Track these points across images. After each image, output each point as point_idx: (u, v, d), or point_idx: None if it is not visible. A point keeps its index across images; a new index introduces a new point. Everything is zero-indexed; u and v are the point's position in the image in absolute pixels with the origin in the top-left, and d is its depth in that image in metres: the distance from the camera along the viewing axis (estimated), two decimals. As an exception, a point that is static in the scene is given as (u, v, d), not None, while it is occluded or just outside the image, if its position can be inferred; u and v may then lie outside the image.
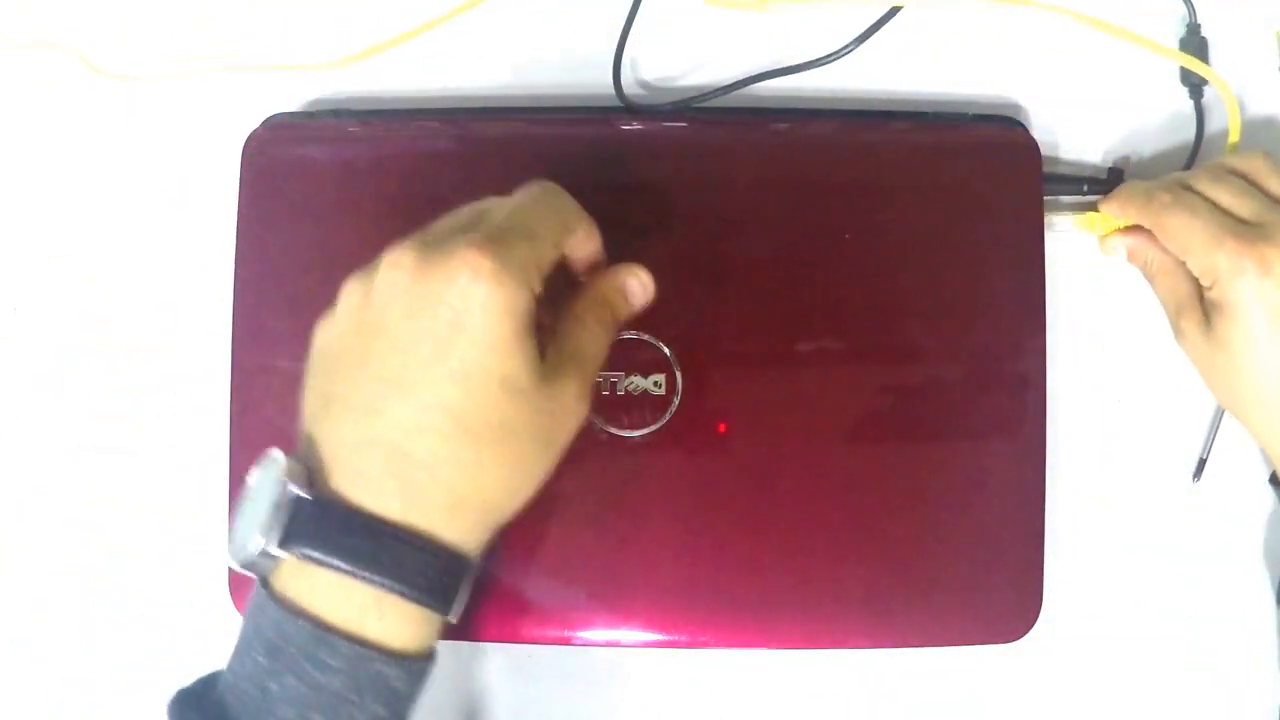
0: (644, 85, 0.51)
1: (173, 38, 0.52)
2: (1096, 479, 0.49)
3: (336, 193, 0.47)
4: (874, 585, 0.45)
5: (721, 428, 0.45)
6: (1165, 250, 0.45)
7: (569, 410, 0.37)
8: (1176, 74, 0.50)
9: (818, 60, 0.49)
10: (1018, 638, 0.45)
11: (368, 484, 0.35)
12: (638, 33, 0.50)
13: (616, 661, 0.49)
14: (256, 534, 0.34)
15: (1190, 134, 0.49)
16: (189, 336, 0.50)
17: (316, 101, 0.51)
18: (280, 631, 0.34)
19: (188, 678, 0.50)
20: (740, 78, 0.49)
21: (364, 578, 0.34)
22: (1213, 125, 0.49)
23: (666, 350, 0.45)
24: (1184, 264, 0.44)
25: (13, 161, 0.52)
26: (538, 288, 0.35)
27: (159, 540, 0.50)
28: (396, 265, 0.35)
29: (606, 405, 0.45)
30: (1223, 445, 0.49)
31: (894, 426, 0.46)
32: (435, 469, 0.35)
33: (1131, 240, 0.46)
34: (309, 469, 0.35)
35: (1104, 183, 0.49)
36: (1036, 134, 0.48)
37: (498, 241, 0.35)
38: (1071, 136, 0.50)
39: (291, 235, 0.47)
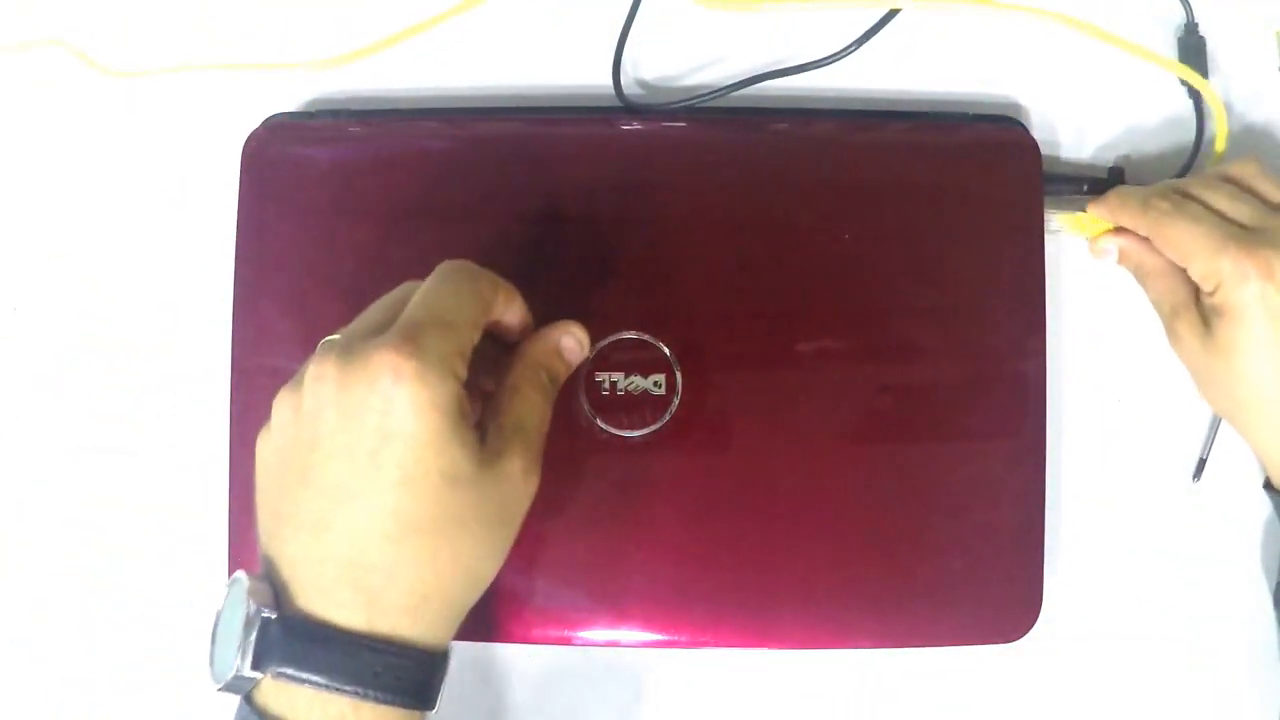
0: (644, 85, 0.51)
1: (173, 37, 0.52)
2: (1096, 479, 0.49)
3: (336, 193, 0.47)
4: (874, 585, 0.45)
5: (721, 428, 0.45)
6: (1158, 253, 0.45)
7: (517, 487, 0.37)
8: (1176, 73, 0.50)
9: (818, 61, 0.49)
10: (1018, 638, 0.46)
11: (328, 597, 0.35)
12: (638, 33, 0.50)
13: (616, 662, 0.49)
14: (232, 657, 0.35)
15: (1190, 134, 0.49)
16: (189, 336, 0.50)
17: (316, 101, 0.51)
18: None
19: (188, 678, 0.50)
20: (740, 78, 0.49)
21: (339, 689, 0.34)
22: (1212, 125, 0.49)
23: (666, 350, 0.45)
24: (1179, 268, 0.44)
25: (13, 161, 0.52)
26: (463, 374, 0.35)
27: (159, 540, 0.50)
28: (320, 378, 0.35)
29: (606, 405, 0.45)
30: (1223, 445, 0.49)
31: (894, 426, 0.46)
32: (392, 573, 0.35)
33: (1124, 242, 0.46)
34: (273, 587, 0.36)
35: (1104, 183, 0.49)
36: (1036, 134, 0.48)
37: (413, 338, 0.34)
38: (1071, 136, 0.50)
39: (291, 235, 0.47)
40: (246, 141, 0.48)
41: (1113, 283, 0.49)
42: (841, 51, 0.49)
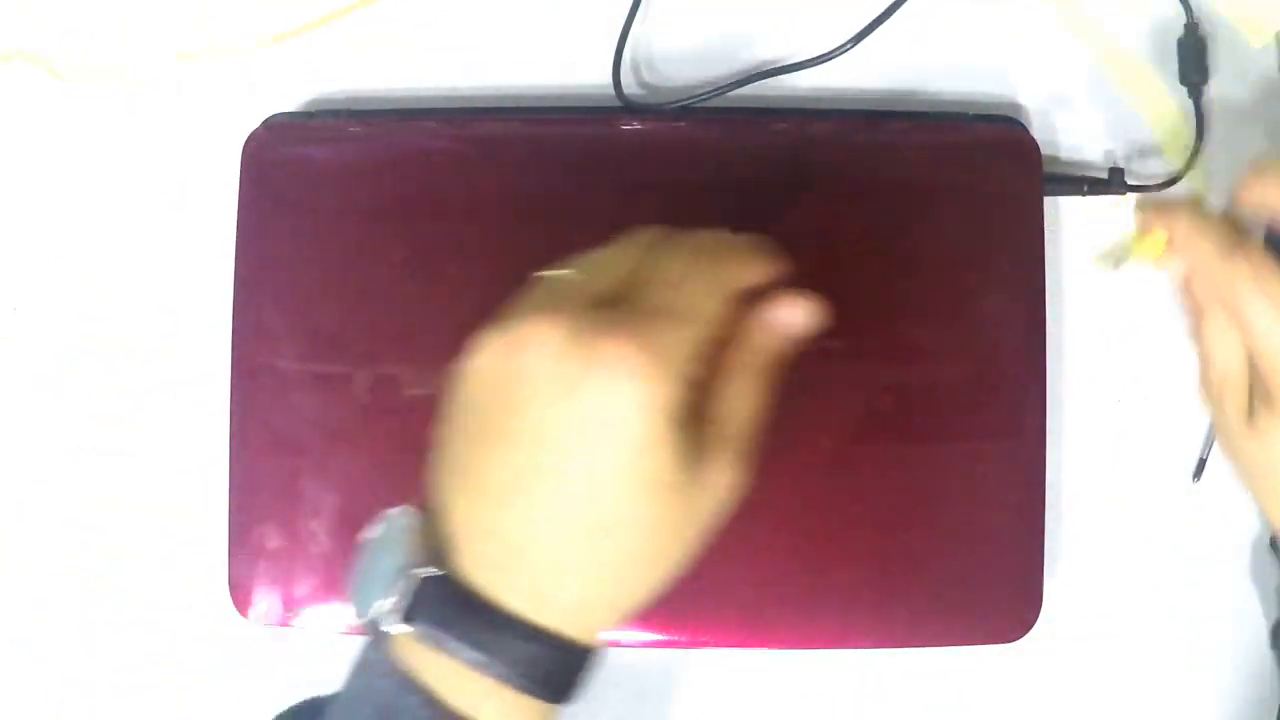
0: (644, 85, 0.51)
1: (173, 37, 0.52)
2: (1096, 479, 0.49)
3: (336, 193, 0.47)
4: (874, 585, 0.45)
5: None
6: (1226, 306, 0.38)
7: (718, 499, 0.34)
8: (1175, 73, 0.50)
9: (817, 58, 0.49)
10: (1018, 638, 0.46)
11: (494, 574, 0.33)
12: (638, 33, 0.50)
13: (616, 662, 0.49)
14: (378, 600, 0.33)
15: (1190, 134, 0.49)
16: (189, 337, 0.50)
17: (316, 101, 0.51)
18: (394, 700, 0.33)
19: (188, 679, 0.50)
20: (740, 77, 0.49)
21: (485, 668, 0.32)
22: (1212, 125, 0.49)
23: (666, 350, 0.45)
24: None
25: (12, 161, 0.52)
26: (695, 374, 0.32)
27: (159, 542, 0.50)
28: (543, 340, 0.32)
29: (607, 405, 0.45)
30: (1223, 445, 0.49)
31: (893, 426, 0.46)
32: (561, 573, 0.33)
33: (1189, 275, 0.39)
34: (437, 540, 0.34)
35: (1104, 183, 0.48)
36: (1036, 134, 0.48)
37: (649, 332, 0.31)
38: (1071, 136, 0.50)
39: (291, 235, 0.47)
40: (246, 141, 0.48)
41: (1113, 283, 0.49)
42: (840, 48, 0.49)
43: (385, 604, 0.33)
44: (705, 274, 0.34)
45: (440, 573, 0.33)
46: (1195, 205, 0.39)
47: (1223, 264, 0.37)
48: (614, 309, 0.33)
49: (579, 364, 0.31)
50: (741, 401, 0.35)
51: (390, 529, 0.35)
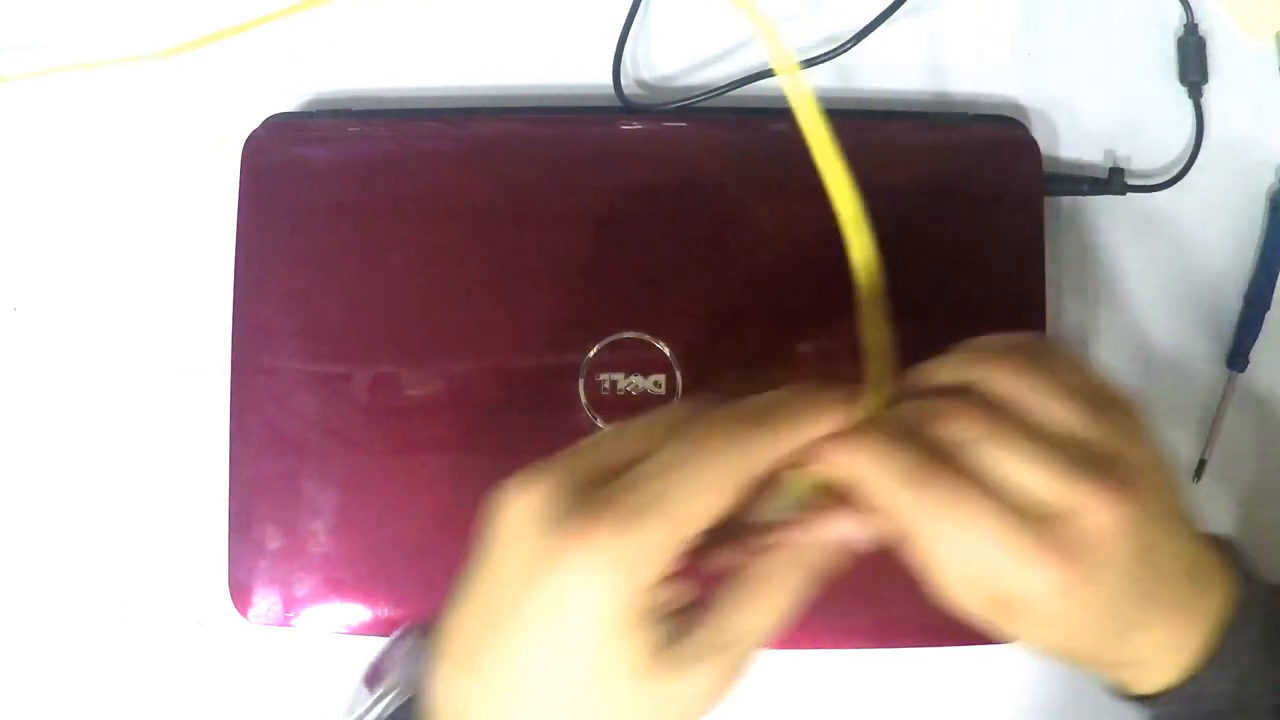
0: (644, 85, 0.51)
1: (172, 36, 0.52)
2: (1096, 479, 0.49)
3: (336, 193, 0.47)
4: (874, 585, 0.45)
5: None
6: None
7: (687, 703, 0.30)
8: (1175, 73, 0.50)
9: (818, 58, 0.49)
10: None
11: None
12: (638, 33, 0.50)
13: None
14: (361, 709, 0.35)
15: (1190, 134, 0.49)
16: (189, 336, 0.50)
17: (316, 101, 0.51)
18: None
19: (188, 680, 0.50)
20: (740, 77, 0.49)
21: None
22: (1212, 125, 0.49)
23: (666, 350, 0.45)
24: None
25: (12, 161, 0.52)
26: (668, 568, 0.30)
27: (159, 542, 0.50)
28: (521, 532, 0.31)
29: (606, 405, 0.45)
30: (1223, 445, 0.49)
31: (894, 426, 0.46)
32: None
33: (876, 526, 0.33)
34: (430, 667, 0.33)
35: (1104, 183, 0.49)
36: (1036, 134, 0.48)
37: (623, 524, 0.29)
38: (1071, 136, 0.50)
39: (291, 235, 0.47)
40: (246, 141, 0.48)
41: (1113, 283, 0.49)
42: (841, 48, 0.49)
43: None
44: (714, 462, 0.30)
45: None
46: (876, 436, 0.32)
47: (910, 491, 0.31)
48: (609, 489, 0.30)
49: (554, 546, 0.29)
50: (748, 619, 0.31)
51: (406, 654, 0.36)
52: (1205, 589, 0.36)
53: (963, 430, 0.32)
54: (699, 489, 0.30)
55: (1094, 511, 0.31)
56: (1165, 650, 0.35)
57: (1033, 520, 0.31)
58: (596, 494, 0.30)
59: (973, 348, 0.35)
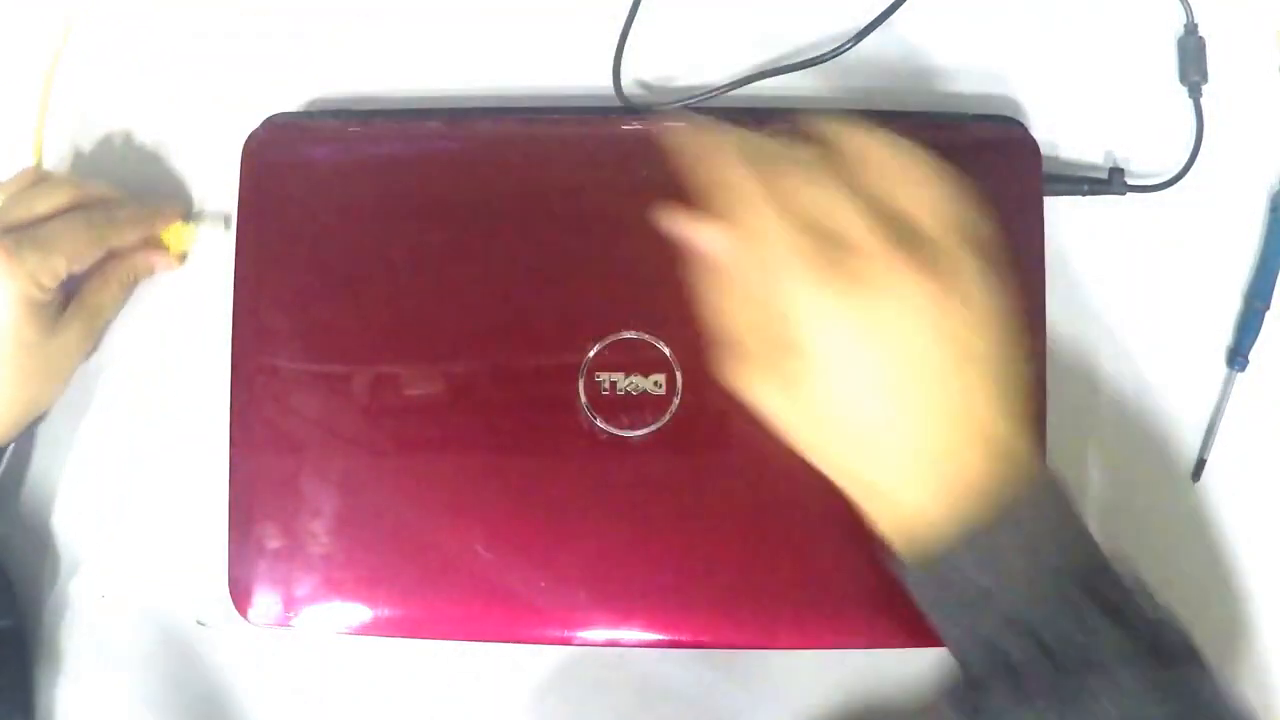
0: (644, 85, 0.51)
1: (172, 35, 0.52)
2: (1096, 479, 0.49)
3: (336, 193, 0.47)
4: (875, 585, 0.45)
5: (722, 427, 0.45)
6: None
7: (72, 349, 0.48)
8: (1175, 73, 0.50)
9: (817, 58, 0.49)
10: (1018, 638, 0.45)
11: None
12: (638, 33, 0.50)
13: (617, 662, 0.49)
14: None
15: (1190, 134, 0.49)
16: (189, 336, 0.50)
17: (316, 101, 0.51)
18: None
19: (190, 678, 0.50)
20: (740, 77, 0.49)
21: None
22: (1212, 124, 0.49)
23: (666, 350, 0.45)
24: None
25: (13, 161, 0.52)
26: (47, 283, 0.45)
27: (158, 543, 0.50)
28: None
29: (606, 405, 0.45)
30: (1223, 445, 0.49)
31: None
32: None
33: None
34: None
35: (1104, 183, 0.49)
36: (1036, 134, 0.48)
37: (17, 251, 0.45)
38: (1071, 136, 0.50)
39: (291, 235, 0.47)
40: (246, 141, 0.48)
41: (1113, 283, 0.49)
42: (841, 48, 0.49)
43: None
44: (81, 233, 0.47)
45: None
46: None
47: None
48: (19, 233, 0.45)
49: None
50: (102, 295, 0.49)
51: None
52: (991, 459, 0.35)
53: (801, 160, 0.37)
54: (63, 239, 0.46)
55: (889, 264, 0.35)
56: (913, 488, 0.36)
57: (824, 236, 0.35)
58: (13, 235, 0.45)
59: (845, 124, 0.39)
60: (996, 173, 0.47)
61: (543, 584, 0.45)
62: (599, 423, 0.45)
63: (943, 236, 0.36)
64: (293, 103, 0.51)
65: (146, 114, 0.51)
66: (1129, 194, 0.49)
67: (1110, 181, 0.49)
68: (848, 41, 0.49)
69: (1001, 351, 0.36)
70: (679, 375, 0.45)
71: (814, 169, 0.37)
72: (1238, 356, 0.49)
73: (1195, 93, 0.49)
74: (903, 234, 0.35)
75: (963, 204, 0.37)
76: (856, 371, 0.36)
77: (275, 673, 0.49)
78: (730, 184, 0.37)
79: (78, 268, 0.47)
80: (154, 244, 0.50)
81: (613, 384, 0.45)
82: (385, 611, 0.46)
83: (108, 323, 0.50)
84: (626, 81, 0.50)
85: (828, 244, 0.35)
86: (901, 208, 0.36)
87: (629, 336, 0.45)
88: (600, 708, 0.49)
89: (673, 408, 0.45)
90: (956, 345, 0.36)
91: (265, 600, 0.46)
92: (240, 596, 0.46)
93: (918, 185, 0.37)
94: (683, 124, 0.39)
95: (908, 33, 0.50)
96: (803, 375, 0.36)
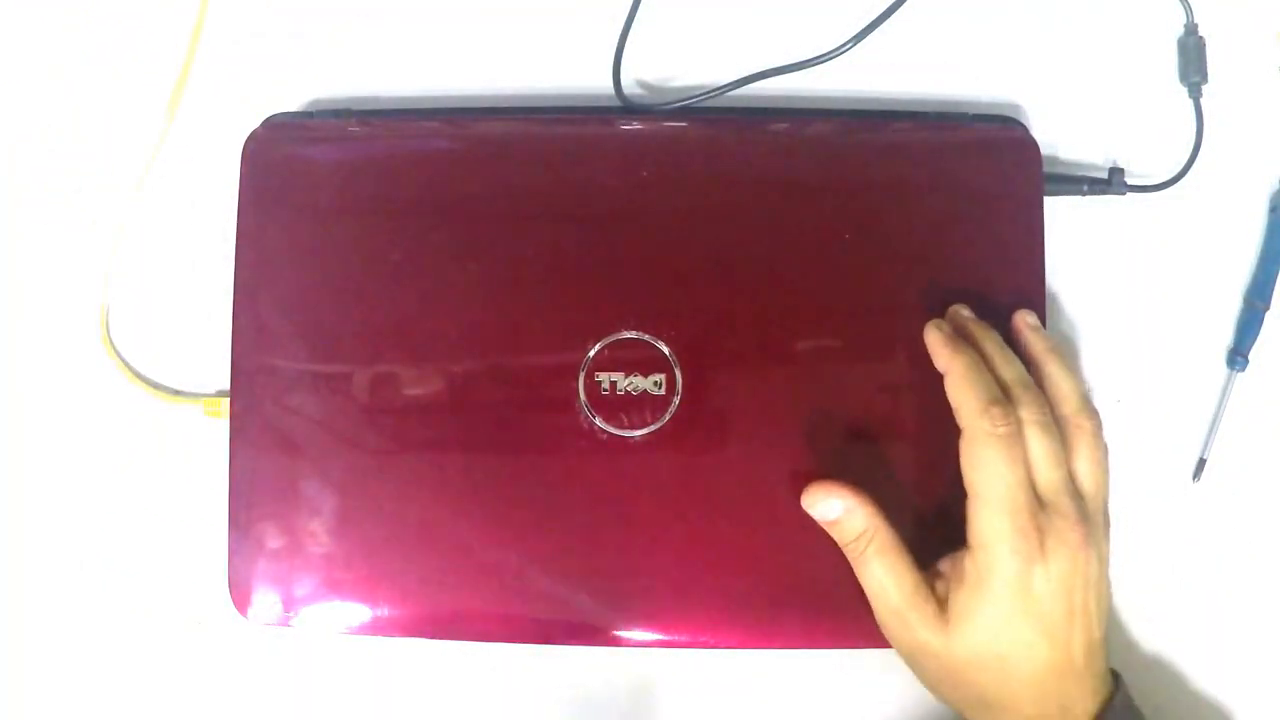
0: (644, 85, 0.51)
1: (172, 35, 0.52)
2: (1096, 479, 0.49)
3: (336, 193, 0.47)
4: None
5: (722, 427, 0.45)
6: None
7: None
8: (1175, 73, 0.50)
9: (817, 58, 0.49)
10: (1018, 638, 0.45)
11: None
12: (638, 33, 0.50)
13: (617, 662, 0.49)
14: None
15: (1190, 134, 0.49)
16: (189, 336, 0.50)
17: (316, 101, 0.51)
18: None
19: (189, 683, 0.50)
20: (740, 77, 0.49)
21: None
22: (1212, 125, 0.49)
23: (666, 350, 0.45)
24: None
25: (12, 162, 0.52)
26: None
27: (159, 541, 0.50)
28: None
29: (606, 405, 0.45)
30: (1223, 445, 0.49)
31: (895, 426, 0.46)
32: None
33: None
34: None
35: (1104, 183, 0.49)
36: (1036, 134, 0.48)
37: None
38: (1071, 136, 0.50)
39: (291, 235, 0.47)
40: (246, 141, 0.48)
41: (1113, 283, 0.49)
42: (841, 47, 0.49)
43: None
44: None
45: None
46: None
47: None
48: None
49: None
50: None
51: None
52: (1090, 676, 0.41)
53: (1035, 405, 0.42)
54: None
55: (1081, 538, 0.41)
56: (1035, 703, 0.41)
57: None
58: None
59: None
60: (996, 173, 0.47)
61: (542, 584, 0.45)
62: (598, 423, 0.45)
63: (1100, 510, 0.43)
64: (293, 103, 0.51)
65: (146, 114, 0.51)
66: (1129, 194, 0.49)
67: (1110, 181, 0.49)
68: (848, 41, 0.49)
69: (1108, 590, 0.43)
70: (679, 375, 0.45)
71: (1058, 448, 0.42)
72: (1238, 356, 0.49)
73: (1195, 93, 0.49)
74: (1081, 508, 0.41)
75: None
76: (1021, 618, 0.41)
77: (275, 673, 0.49)
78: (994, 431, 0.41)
79: None
80: None
81: (612, 384, 0.45)
82: (385, 611, 0.46)
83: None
84: (626, 81, 0.50)
85: (1039, 508, 0.41)
86: (1082, 485, 0.42)
87: (629, 336, 0.45)
88: (600, 708, 0.49)
89: (672, 408, 0.45)
90: (1085, 597, 0.41)
91: (265, 600, 0.46)
92: (240, 596, 0.46)
93: (1099, 466, 0.43)
94: (961, 358, 0.43)
95: (908, 33, 0.50)
96: (970, 607, 0.41)
